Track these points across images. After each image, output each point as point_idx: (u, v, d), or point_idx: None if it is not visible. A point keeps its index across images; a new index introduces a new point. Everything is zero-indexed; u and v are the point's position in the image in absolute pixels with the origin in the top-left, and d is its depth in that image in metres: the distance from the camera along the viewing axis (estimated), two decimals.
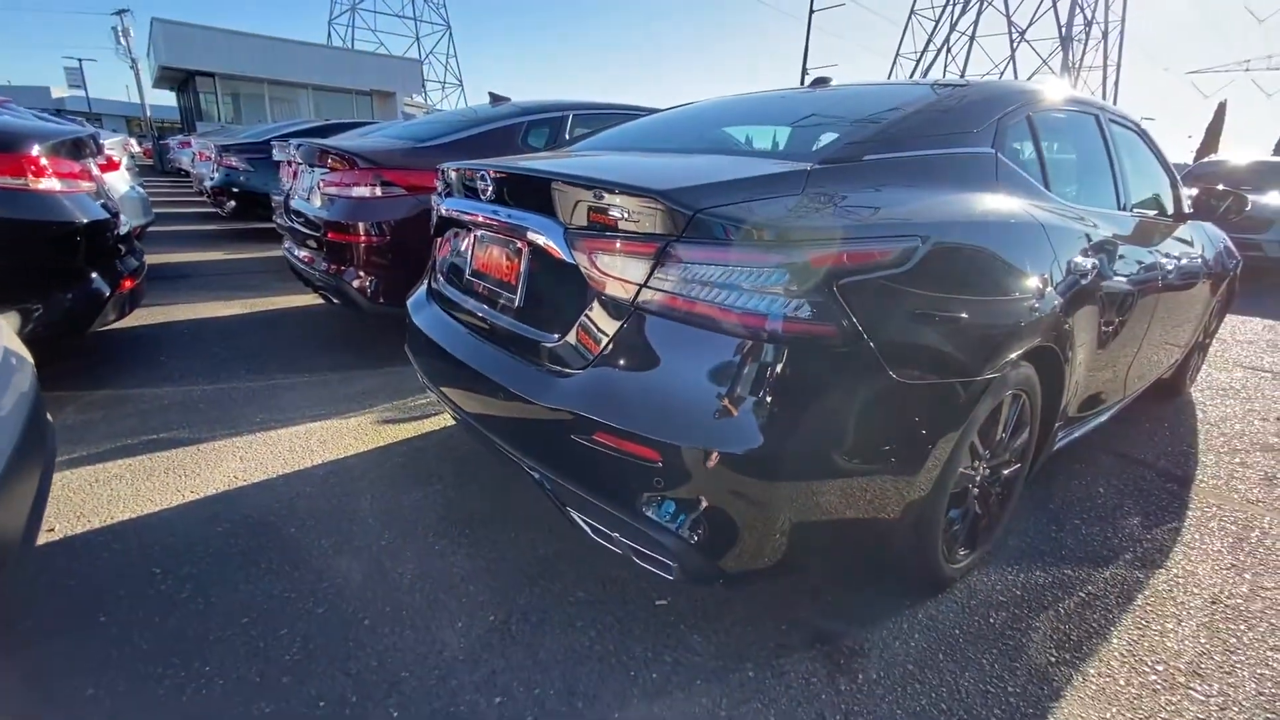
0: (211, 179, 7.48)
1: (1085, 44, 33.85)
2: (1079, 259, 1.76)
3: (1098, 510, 2.27)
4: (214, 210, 8.12)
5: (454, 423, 2.61)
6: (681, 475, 1.16)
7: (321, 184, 3.27)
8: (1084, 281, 1.78)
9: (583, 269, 1.31)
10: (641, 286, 1.21)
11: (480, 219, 1.66)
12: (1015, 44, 34.12)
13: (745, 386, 1.13)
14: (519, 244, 1.53)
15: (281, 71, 25.95)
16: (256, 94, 26.03)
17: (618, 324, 1.26)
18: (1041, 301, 1.57)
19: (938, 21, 36.42)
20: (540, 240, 1.41)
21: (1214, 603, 1.81)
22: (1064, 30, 32.86)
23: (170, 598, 1.58)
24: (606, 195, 1.24)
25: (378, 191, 3.11)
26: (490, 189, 1.55)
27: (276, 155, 5.64)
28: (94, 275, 2.68)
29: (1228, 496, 2.44)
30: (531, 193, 1.43)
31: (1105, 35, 34.37)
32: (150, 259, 3.80)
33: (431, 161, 3.25)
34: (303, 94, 27.17)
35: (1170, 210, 2.78)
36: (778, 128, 1.81)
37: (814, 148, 1.53)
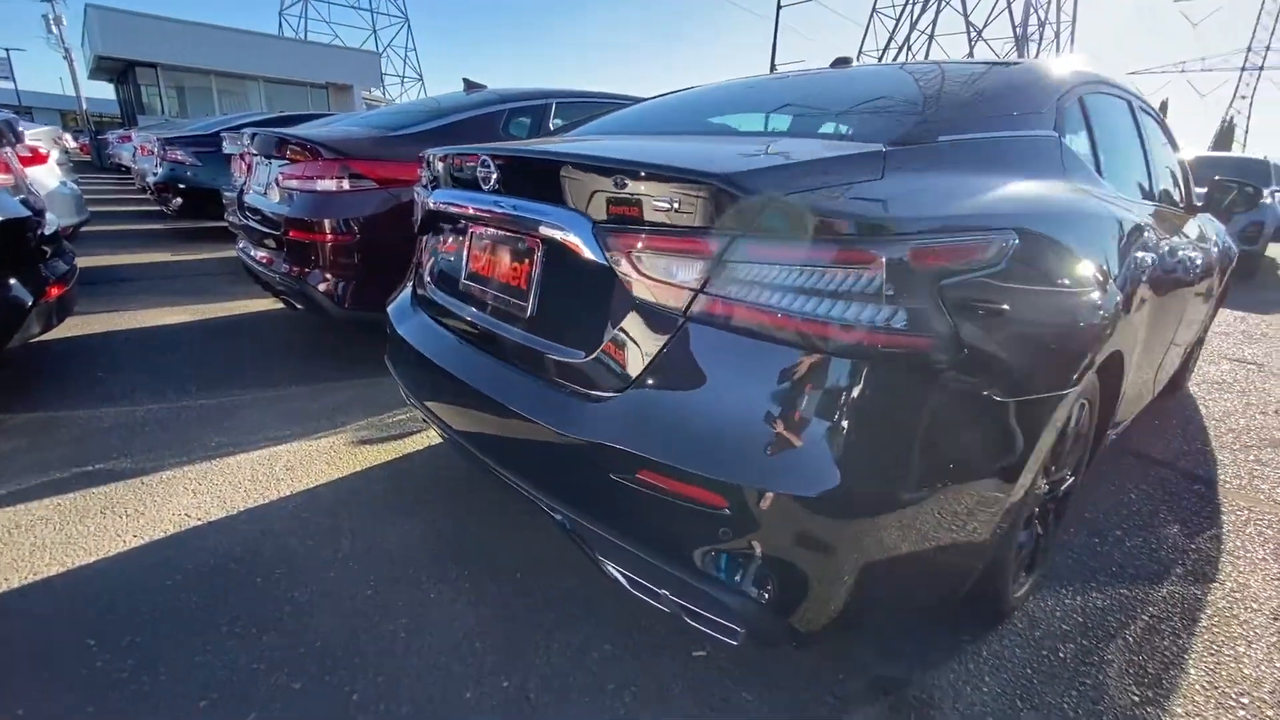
0: (155, 174, 6.94)
1: (1040, 43, 34.85)
2: (1140, 254, 1.61)
3: (1135, 519, 2.15)
4: (158, 208, 7.56)
5: (440, 440, 2.35)
6: (754, 524, 0.95)
7: (281, 177, 2.95)
8: (1143, 278, 1.63)
9: (618, 272, 1.08)
10: (697, 293, 0.99)
11: (479, 213, 1.41)
12: (973, 42, 34.90)
13: (834, 414, 0.92)
14: (530, 242, 1.29)
15: (230, 63, 24.72)
16: (203, 86, 24.76)
17: (664, 338, 1.04)
18: (1116, 301, 1.41)
19: (898, 20, 37.01)
20: (560, 237, 1.17)
21: (1276, 619, 1.69)
22: (1019, 30, 33.74)
23: (108, 678, 1.29)
24: (650, 182, 1.02)
25: (345, 185, 2.81)
26: (494, 177, 1.31)
27: (228, 148, 5.23)
28: (12, 282, 2.32)
29: (1254, 498, 2.35)
30: (548, 181, 1.19)
31: (1057, 35, 35.47)
32: (85, 262, 3.41)
33: (405, 152, 2.98)
34: (253, 87, 25.96)
35: (1182, 202, 2.69)
36: (815, 109, 1.61)
37: (877, 128, 1.33)
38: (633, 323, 1.08)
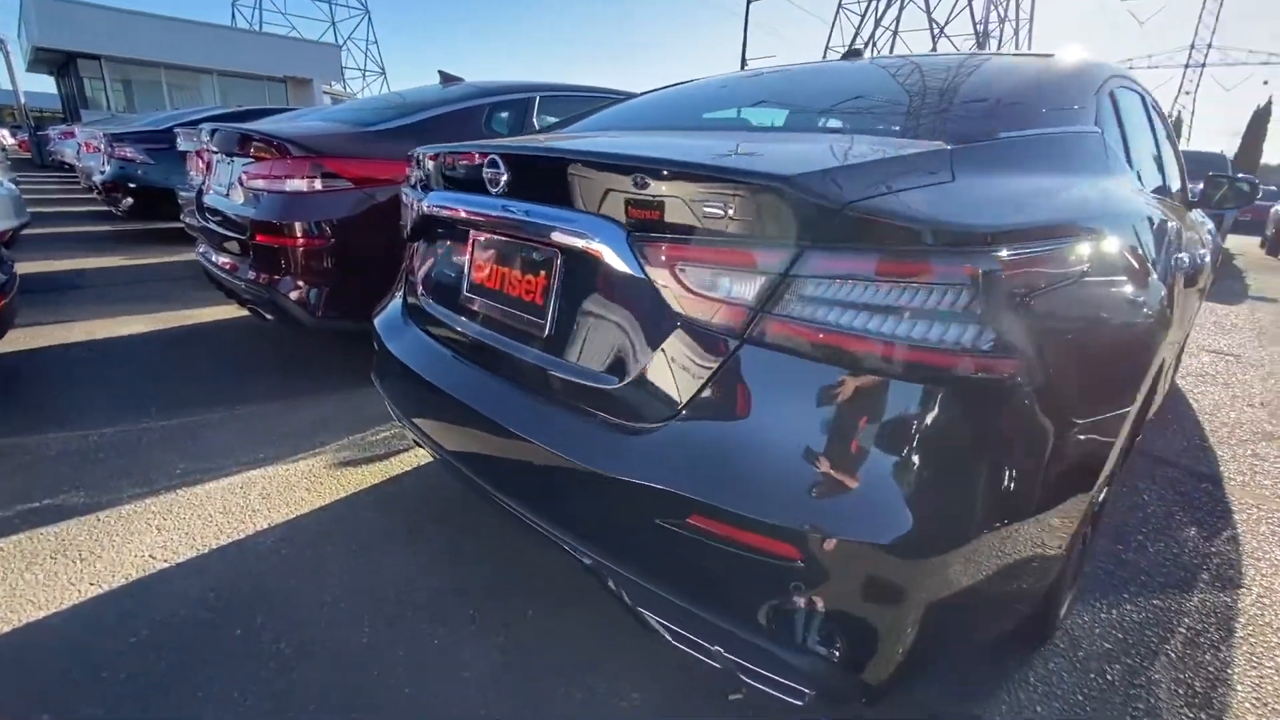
0: (102, 173, 6.51)
1: (1000, 40, 35.65)
2: (1178, 254, 1.55)
3: (1153, 522, 2.11)
4: (107, 209, 7.12)
5: (431, 459, 2.19)
6: (831, 575, 0.83)
7: (245, 177, 2.73)
8: (1180, 277, 1.57)
9: (660, 287, 0.95)
10: (757, 312, 0.87)
11: (485, 218, 1.26)
12: (936, 38, 35.52)
13: (922, 447, 0.81)
14: (547, 252, 1.15)
15: (180, 55, 23.66)
16: (152, 79, 23.66)
17: (716, 363, 0.91)
18: (1166, 303, 1.33)
19: (863, 16, 37.44)
20: (585, 247, 1.03)
21: None
22: (980, 26, 34.47)
23: None
24: (698, 185, 0.89)
25: (317, 184, 2.61)
26: (504, 179, 1.16)
27: (183, 144, 4.93)
28: None
29: (1260, 495, 2.35)
30: (571, 183, 1.05)
31: (1016, 32, 36.35)
32: (27, 268, 3.13)
33: (382, 149, 2.79)
34: (206, 80, 24.92)
35: (1183, 196, 2.68)
36: (846, 104, 1.50)
37: (929, 124, 1.22)
38: (676, 345, 0.95)
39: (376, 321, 1.75)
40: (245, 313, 3.72)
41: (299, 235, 2.62)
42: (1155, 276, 1.26)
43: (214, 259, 3.08)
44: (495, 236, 1.28)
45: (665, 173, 0.92)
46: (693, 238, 0.91)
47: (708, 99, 1.89)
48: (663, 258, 0.94)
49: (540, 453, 1.09)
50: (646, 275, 0.96)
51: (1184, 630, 1.61)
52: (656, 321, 0.97)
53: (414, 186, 1.63)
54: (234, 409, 2.59)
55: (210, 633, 1.42)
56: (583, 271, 1.09)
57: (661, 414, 0.96)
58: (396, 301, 1.71)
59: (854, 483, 0.82)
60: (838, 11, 39.55)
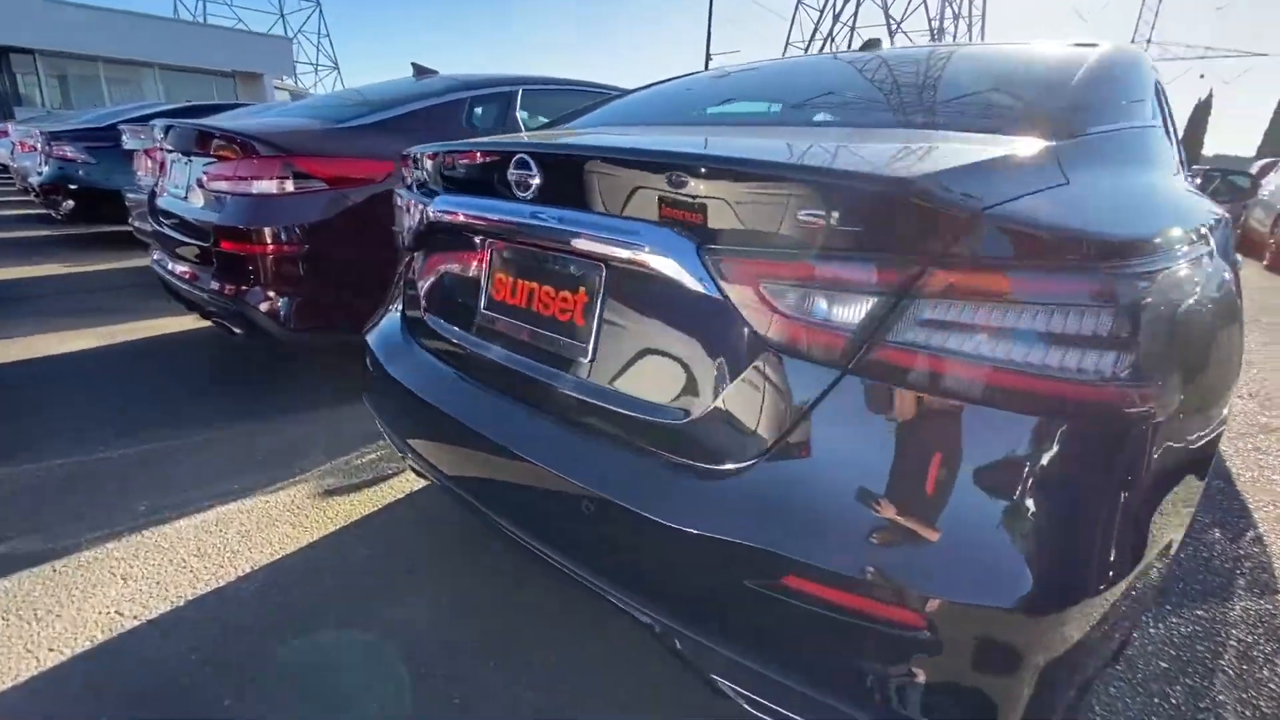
0: (40, 174, 6.05)
1: (955, 35, 36.51)
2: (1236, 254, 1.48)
3: None
4: (45, 212, 6.63)
5: (428, 483, 2.01)
6: (960, 643, 0.71)
7: (206, 178, 2.50)
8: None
9: (739, 308, 0.82)
10: (866, 337, 0.74)
11: (509, 227, 1.11)
12: (893, 34, 36.17)
13: (1068, 494, 0.70)
14: (588, 266, 1.00)
15: (120, 48, 22.41)
16: (90, 74, 22.37)
17: (812, 396, 0.78)
18: (1242, 307, 1.27)
19: (822, 11, 37.91)
20: (641, 260, 0.90)
21: None
22: (935, 22, 35.27)
23: None
24: (792, 189, 0.76)
25: (289, 186, 2.39)
26: (535, 182, 1.01)
27: (129, 142, 4.59)
28: None
29: (1274, 492, 2.34)
30: (623, 187, 0.91)
31: (970, 29, 37.29)
32: None
33: (359, 146, 2.58)
34: (148, 74, 23.70)
35: None
36: (904, 96, 1.38)
37: (1013, 118, 1.11)
38: (760, 375, 0.82)
39: (369, 338, 1.58)
40: (205, 324, 3.45)
41: (269, 241, 2.40)
42: (1235, 280, 1.18)
43: (171, 267, 2.82)
44: (521, 247, 1.12)
45: (748, 175, 0.78)
46: (783, 251, 0.78)
47: (736, 91, 1.75)
48: (744, 274, 0.81)
49: (583, 496, 0.94)
50: (722, 294, 0.82)
51: (1234, 643, 1.55)
52: (735, 347, 0.84)
53: (411, 188, 1.46)
54: (200, 433, 2.36)
55: (193, 707, 1.24)
56: (634, 288, 0.95)
57: (743, 455, 0.83)
58: (393, 317, 1.54)
59: (988, 538, 0.70)
60: (797, 7, 39.94)
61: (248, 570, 1.63)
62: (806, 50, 38.83)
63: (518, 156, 1.01)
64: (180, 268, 2.76)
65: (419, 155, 1.38)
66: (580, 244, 0.98)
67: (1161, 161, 1.18)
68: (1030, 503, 0.70)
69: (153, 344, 3.38)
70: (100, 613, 1.47)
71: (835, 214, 0.73)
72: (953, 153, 0.83)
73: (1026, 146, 0.88)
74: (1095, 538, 0.72)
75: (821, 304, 0.77)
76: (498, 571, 1.66)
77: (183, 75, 24.29)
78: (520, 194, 1.04)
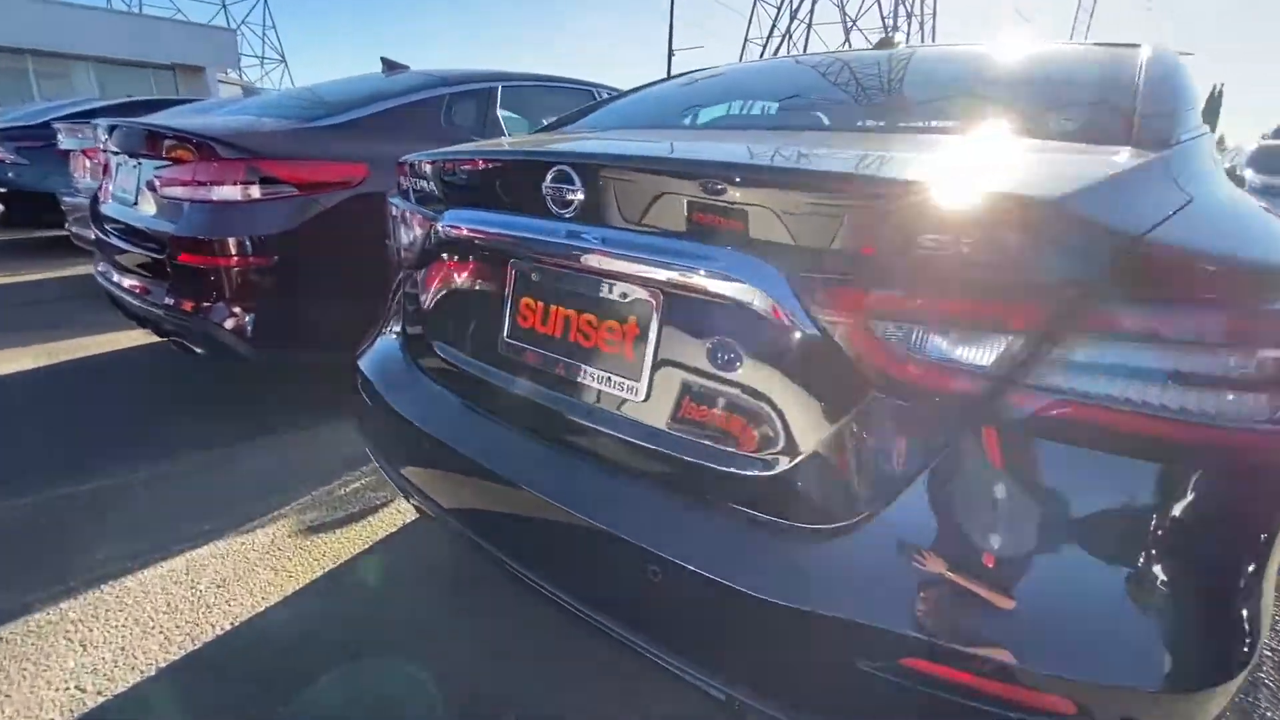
0: None
1: (908, 34, 37.34)
2: None
3: None
4: None
5: (419, 513, 1.85)
6: None
7: (159, 182, 2.27)
8: None
9: (841, 345, 0.71)
10: (1002, 383, 0.64)
11: (543, 247, 0.97)
12: (849, 31, 36.75)
13: (1233, 558, 0.61)
14: (640, 291, 0.88)
15: (49, 40, 21.02)
16: (16, 68, 20.93)
17: (932, 449, 0.68)
18: None
19: (779, 8, 38.23)
20: (714, 289, 0.78)
21: None
22: (889, 20, 35.98)
23: None
24: (911, 208, 0.65)
25: (254, 192, 2.19)
26: (580, 198, 0.87)
27: (66, 142, 4.24)
28: None
29: None
30: (687, 204, 0.78)
31: (922, 27, 38.18)
32: None
33: (334, 148, 2.38)
34: (80, 68, 22.33)
35: None
36: (963, 98, 1.28)
37: (1102, 126, 1.02)
38: (868, 422, 0.71)
39: (362, 363, 1.41)
40: (155, 339, 3.18)
41: (234, 253, 2.19)
42: None
43: (118, 280, 2.57)
44: (554, 269, 0.99)
45: (852, 190, 0.67)
46: (896, 281, 0.67)
47: (780, 90, 1.61)
48: (845, 305, 0.70)
49: (649, 560, 0.82)
50: (819, 328, 0.71)
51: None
52: (832, 389, 0.73)
53: (409, 197, 1.31)
54: (160, 465, 2.14)
55: None
56: (699, 319, 0.83)
57: (843, 515, 0.72)
58: (391, 341, 1.38)
59: (1154, 614, 0.61)
60: (755, 5, 40.20)
61: (227, 627, 1.46)
62: (764, 49, 39.18)
63: (557, 168, 0.88)
64: (129, 281, 2.51)
65: (418, 162, 1.23)
66: (633, 268, 0.85)
67: (1220, 169, 1.12)
68: (1201, 573, 0.61)
69: (101, 362, 3.10)
70: (58, 689, 1.27)
71: (969, 238, 0.62)
72: (1077, 167, 0.74)
73: (1135, 158, 0.79)
74: (1259, 611, 0.64)
75: (943, 342, 0.66)
76: (522, 621, 1.51)
77: (118, 69, 22.99)
78: (559, 210, 0.90)
